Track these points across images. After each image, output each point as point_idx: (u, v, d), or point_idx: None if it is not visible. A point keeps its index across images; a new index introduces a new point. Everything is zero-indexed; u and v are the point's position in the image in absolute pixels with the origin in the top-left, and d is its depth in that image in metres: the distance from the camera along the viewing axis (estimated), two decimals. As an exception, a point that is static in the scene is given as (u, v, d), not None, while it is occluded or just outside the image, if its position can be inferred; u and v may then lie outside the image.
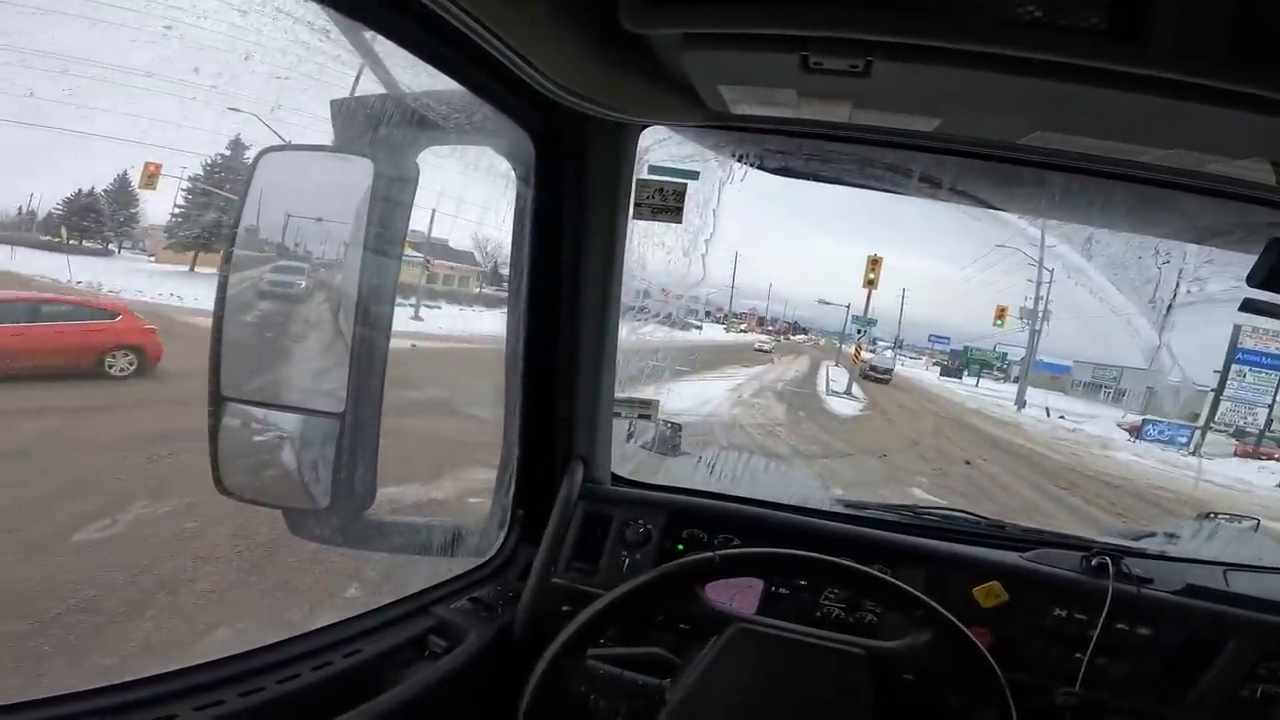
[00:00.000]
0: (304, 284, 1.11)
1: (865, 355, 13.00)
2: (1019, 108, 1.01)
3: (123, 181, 9.77)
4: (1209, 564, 1.45)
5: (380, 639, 1.16)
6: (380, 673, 1.12)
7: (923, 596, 1.09)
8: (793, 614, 1.35)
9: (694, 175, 1.43)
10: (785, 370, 13.65)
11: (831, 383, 12.74)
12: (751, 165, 1.44)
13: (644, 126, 1.33)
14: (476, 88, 1.11)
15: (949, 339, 14.40)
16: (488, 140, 1.32)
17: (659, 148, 1.40)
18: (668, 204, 1.41)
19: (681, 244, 1.48)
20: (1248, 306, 1.25)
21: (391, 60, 1.08)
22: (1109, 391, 13.19)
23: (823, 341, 15.11)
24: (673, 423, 1.95)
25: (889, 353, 14.36)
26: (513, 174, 1.35)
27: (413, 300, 9.46)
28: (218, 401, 1.07)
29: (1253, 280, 1.18)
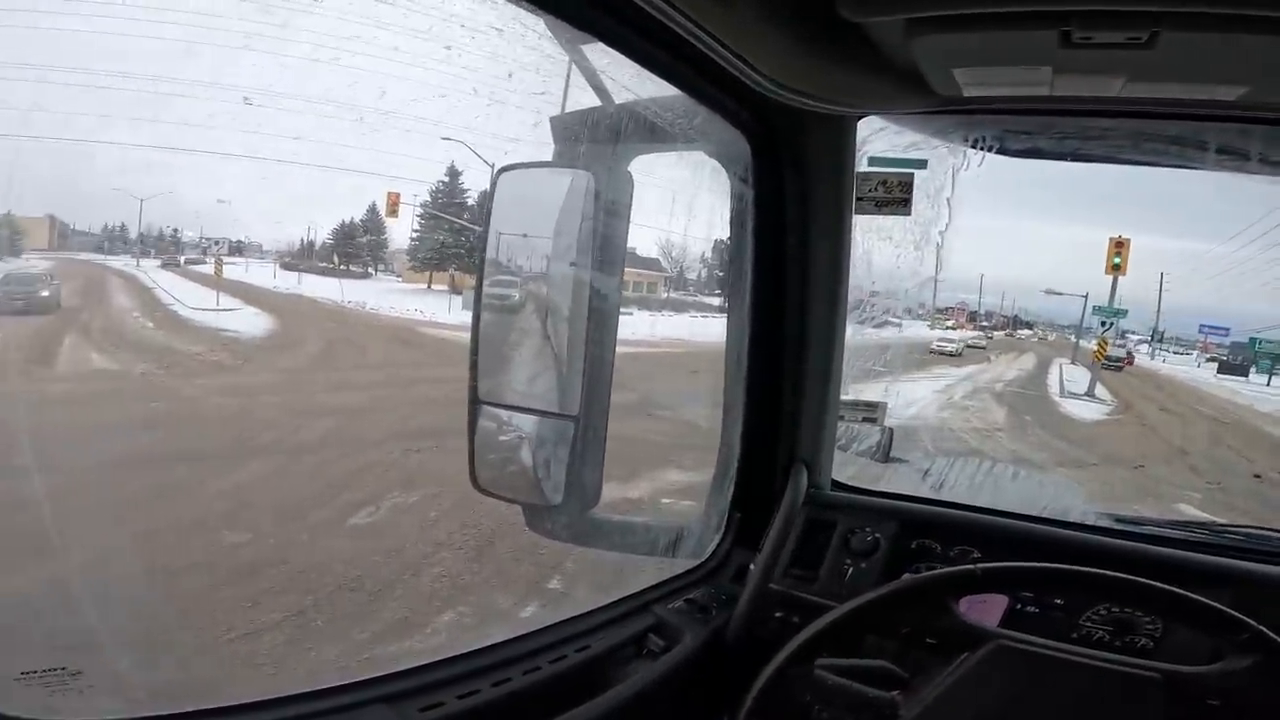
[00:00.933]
0: (541, 297, 1.19)
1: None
2: None
3: (373, 211, 11.71)
4: None
5: (607, 636, 1.21)
6: (606, 668, 1.17)
7: (1248, 620, 0.93)
8: (1044, 634, 1.19)
9: (921, 164, 1.34)
10: (1005, 369, 12.09)
11: (1067, 383, 10.98)
12: (989, 150, 1.31)
13: (861, 117, 1.27)
14: (691, 90, 1.12)
15: (1228, 329, 11.60)
16: (698, 144, 1.33)
17: (877, 138, 1.33)
18: (893, 196, 1.33)
19: (912, 237, 1.40)
20: None
21: (603, 71, 1.13)
22: None
23: (1052, 337, 13.09)
24: (886, 427, 1.81)
25: (1144, 346, 11.97)
26: (726, 176, 1.35)
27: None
28: (474, 403, 1.18)
29: None
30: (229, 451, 5.81)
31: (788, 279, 1.37)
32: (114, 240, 11.19)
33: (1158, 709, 0.92)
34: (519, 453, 1.24)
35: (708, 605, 1.35)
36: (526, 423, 1.22)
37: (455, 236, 11.87)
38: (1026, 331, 13.44)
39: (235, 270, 11.43)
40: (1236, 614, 0.96)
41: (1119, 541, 1.28)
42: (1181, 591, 0.98)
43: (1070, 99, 1.10)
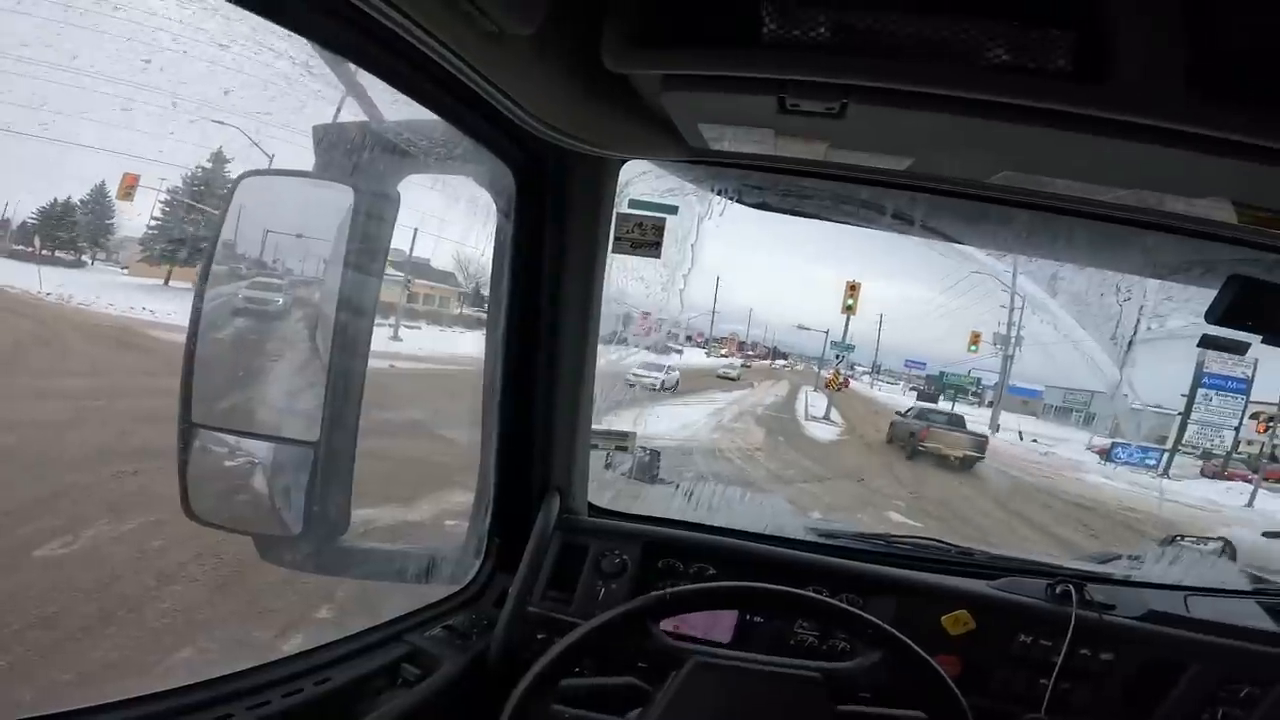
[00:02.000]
0: (280, 305, 1.10)
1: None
2: (987, 148, 1.05)
3: (100, 192, 9.65)
4: (1171, 589, 1.49)
5: (352, 667, 1.15)
6: (352, 701, 1.11)
7: (868, 617, 1.11)
8: (765, 642, 1.37)
9: (673, 210, 1.45)
10: (764, 395, 13.72)
11: (810, 408, 12.81)
12: (730, 199, 1.46)
13: (624, 161, 1.35)
14: (458, 121, 1.12)
15: (925, 364, 14.63)
16: (469, 170, 1.33)
17: (639, 181, 1.42)
18: (647, 238, 1.42)
19: (660, 278, 1.51)
20: (1206, 342, 1.30)
21: (374, 89, 1.09)
22: (1079, 415, 13.47)
23: (801, 367, 15.24)
24: (651, 449, 1.96)
25: (866, 376, 14.47)
26: (493, 204, 1.36)
27: (392, 320, 9.38)
28: (188, 428, 1.05)
29: (1211, 316, 1.22)
30: None
31: (541, 311, 1.41)
32: None
33: (823, 704, 1.04)
34: (248, 480, 1.12)
35: (468, 631, 1.33)
36: (255, 447, 1.11)
37: (211, 229, 10.16)
38: (782, 361, 15.52)
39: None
40: (861, 614, 1.10)
41: (818, 556, 1.49)
42: (807, 594, 1.13)
43: (791, 159, 1.26)
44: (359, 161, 1.15)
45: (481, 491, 1.46)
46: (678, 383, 11.79)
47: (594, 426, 1.54)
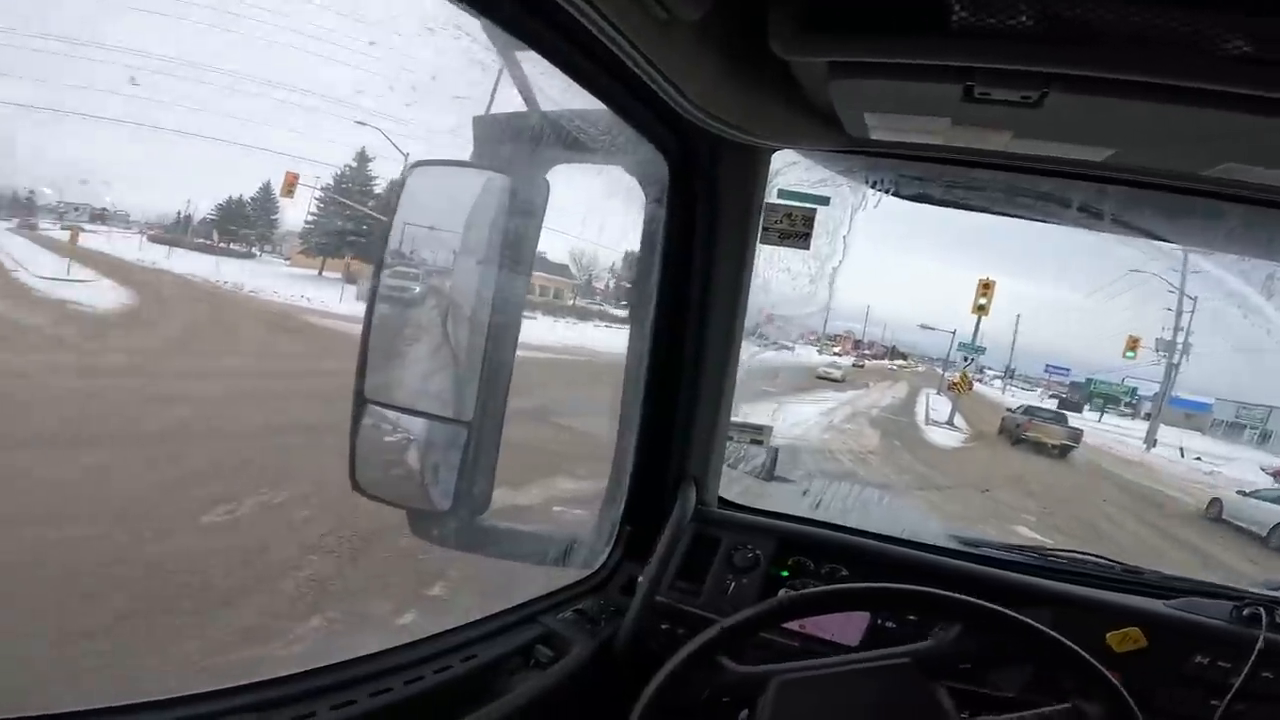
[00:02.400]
0: (442, 296, 1.16)
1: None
2: (1207, 139, 0.94)
3: (267, 190, 10.92)
4: None
5: (493, 645, 1.20)
6: (492, 678, 1.15)
7: (942, 592, 1.06)
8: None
9: (825, 201, 1.41)
10: (880, 396, 13.06)
11: (932, 411, 12.03)
12: (886, 192, 1.40)
13: (776, 150, 1.32)
14: (620, 108, 1.13)
15: (1069, 370, 13.23)
16: (619, 159, 1.35)
17: (788, 171, 1.39)
18: (796, 229, 1.39)
19: (808, 270, 1.46)
20: None
21: (532, 78, 1.12)
22: (1255, 433, 11.74)
23: (922, 368, 14.33)
24: (769, 446, 1.92)
25: (998, 381, 13.35)
26: (641, 193, 1.37)
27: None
28: (360, 402, 1.13)
29: None
30: (61, 438, 5.13)
31: (690, 300, 1.40)
32: None
33: (921, 684, 1.01)
34: (405, 455, 1.19)
35: (597, 617, 1.36)
36: (415, 425, 1.18)
37: (357, 224, 11.26)
38: (901, 361, 14.65)
39: (97, 240, 10.23)
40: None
41: (962, 563, 1.41)
42: (955, 596, 1.07)
43: (963, 150, 1.19)
44: (514, 150, 1.20)
45: (615, 478, 1.47)
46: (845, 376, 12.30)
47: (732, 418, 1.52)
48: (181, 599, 3.73)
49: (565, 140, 1.22)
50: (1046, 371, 13.46)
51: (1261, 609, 1.26)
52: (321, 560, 4.35)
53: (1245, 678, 1.21)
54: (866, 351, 14.42)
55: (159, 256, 10.60)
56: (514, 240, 1.17)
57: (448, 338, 1.16)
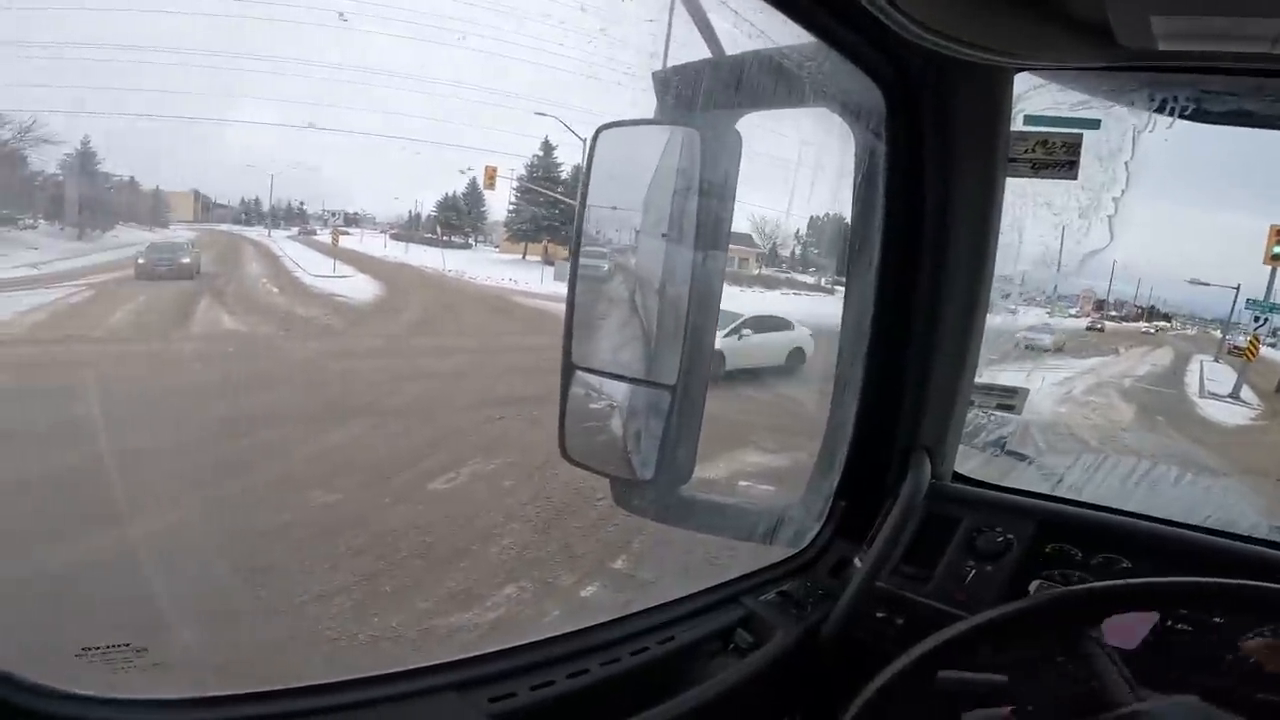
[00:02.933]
0: (638, 258, 1.14)
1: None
2: None
3: (473, 185, 12.28)
4: None
5: (692, 627, 1.15)
6: (689, 662, 1.11)
7: None
8: (1190, 660, 1.02)
9: (1094, 124, 1.17)
10: (1136, 364, 10.93)
11: (1209, 382, 9.76)
12: (1180, 114, 1.13)
13: (1020, 70, 1.11)
14: (823, 33, 1.01)
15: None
16: (821, 100, 1.21)
17: (1033, 95, 1.18)
18: (1055, 158, 1.17)
19: (1078, 204, 1.23)
20: None
21: (714, 20, 1.05)
22: None
23: (1192, 331, 11.66)
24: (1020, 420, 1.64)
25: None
26: (851, 134, 1.22)
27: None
28: (569, 369, 1.14)
29: None
30: (327, 413, 6.13)
31: (923, 247, 1.24)
32: (249, 212, 12.39)
33: None
34: (610, 422, 1.19)
35: (803, 600, 1.26)
36: (619, 391, 1.17)
37: (548, 209, 12.16)
38: (1163, 323, 12.01)
39: (351, 241, 12.34)
40: None
41: None
42: None
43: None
44: (700, 101, 1.12)
45: (828, 449, 1.35)
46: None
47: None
48: (403, 565, 4.18)
49: (755, 85, 1.12)
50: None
51: None
52: (521, 529, 4.66)
53: None
54: (1113, 313, 12.12)
55: (399, 251, 12.47)
56: (708, 197, 1.09)
57: (647, 300, 1.13)
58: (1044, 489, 1.41)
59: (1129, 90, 1.14)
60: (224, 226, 12.09)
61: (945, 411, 1.32)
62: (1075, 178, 1.18)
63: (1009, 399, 1.41)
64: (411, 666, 0.90)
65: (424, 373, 7.51)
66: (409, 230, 12.88)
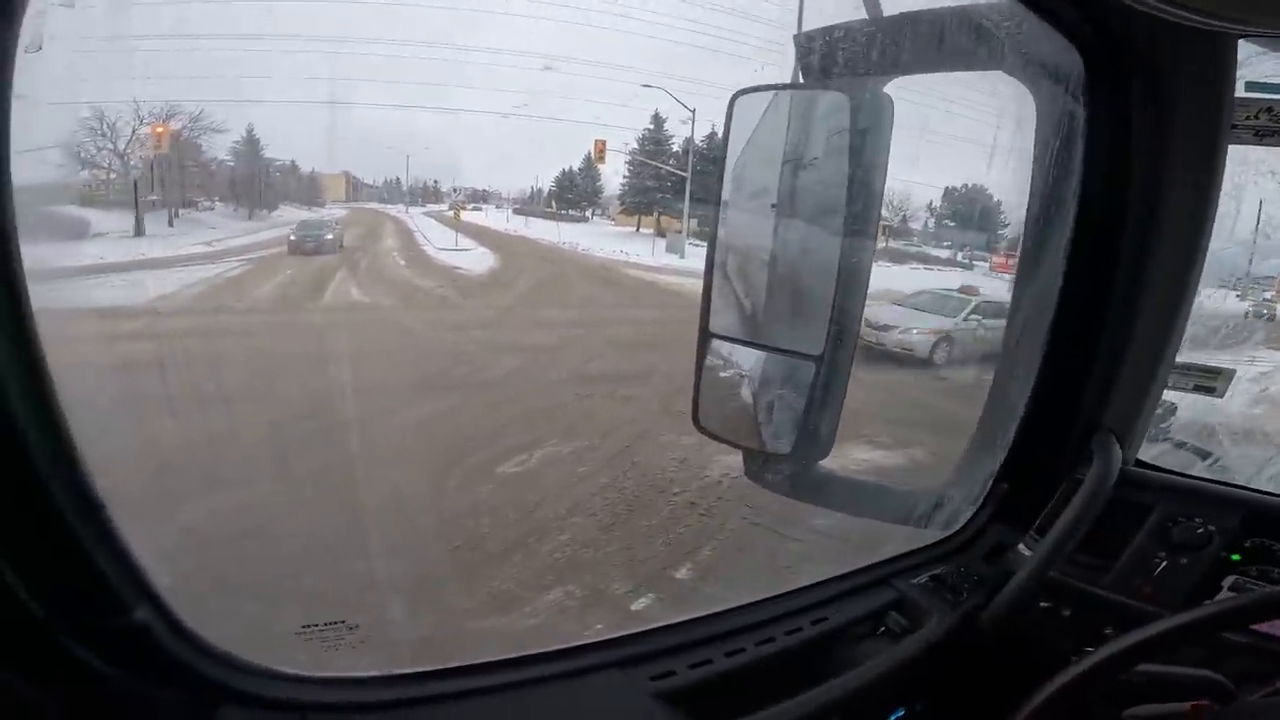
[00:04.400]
0: (782, 224, 1.10)
1: None
2: None
3: (588, 159, 12.51)
4: None
5: (844, 608, 1.13)
6: (840, 645, 1.09)
7: None
8: None
9: None
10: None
11: None
12: None
13: (1243, 36, 1.02)
14: None
15: None
16: (994, 63, 1.14)
17: (1256, 60, 1.09)
18: None
19: None
20: None
21: None
22: None
23: None
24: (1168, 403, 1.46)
25: None
26: (1032, 100, 1.15)
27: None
28: (705, 338, 1.11)
29: None
30: (423, 386, 6.16)
31: (1127, 220, 1.14)
32: (391, 191, 13.52)
33: None
34: (747, 393, 1.16)
35: (958, 585, 1.20)
36: (758, 361, 1.14)
37: (660, 181, 12.13)
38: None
39: (478, 215, 13.06)
40: None
41: None
42: None
43: None
44: (848, 66, 1.07)
45: (987, 427, 1.28)
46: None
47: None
48: (453, 557, 3.96)
49: (916, 46, 1.07)
50: None
51: None
52: (584, 523, 4.38)
53: None
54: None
55: (520, 225, 13.02)
56: (858, 163, 1.03)
57: (790, 270, 1.09)
58: (1260, 480, 1.29)
59: None
60: (371, 205, 13.29)
61: (1138, 392, 1.22)
62: None
63: (1210, 380, 1.27)
64: (574, 644, 0.94)
65: (524, 346, 7.48)
66: (530, 205, 13.40)
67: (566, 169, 13.19)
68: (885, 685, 1.04)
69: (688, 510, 4.61)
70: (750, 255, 1.15)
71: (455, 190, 13.12)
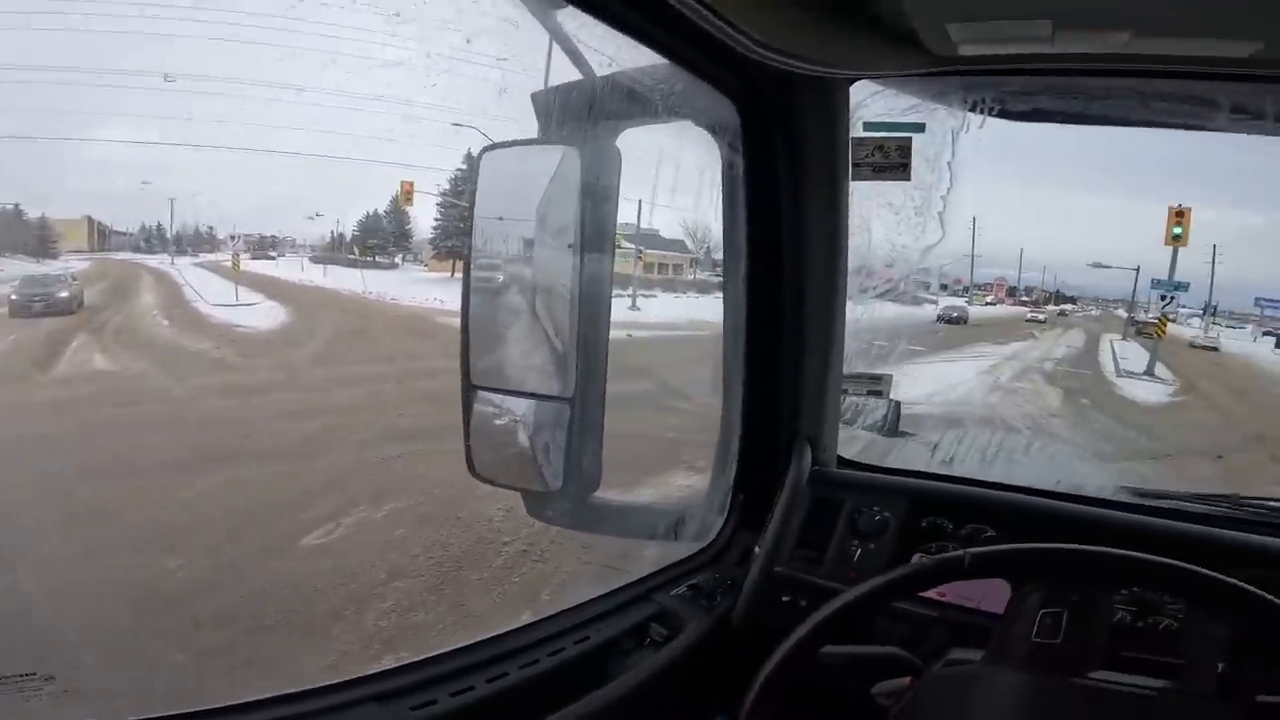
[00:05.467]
0: (528, 276, 1.18)
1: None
2: None
3: (395, 202, 11.80)
4: None
5: (606, 626, 1.19)
6: (606, 660, 1.15)
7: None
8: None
9: (919, 128, 1.29)
10: (1053, 347, 11.53)
11: (1122, 361, 10.40)
12: (988, 113, 1.26)
13: (853, 81, 1.22)
14: (673, 55, 1.08)
15: (1284, 301, 11.03)
16: (686, 114, 1.28)
17: (873, 102, 1.28)
18: (891, 161, 1.28)
19: (914, 202, 1.35)
20: None
21: (583, 41, 1.09)
22: None
23: (1095, 311, 12.57)
24: (892, 400, 1.77)
25: (1195, 320, 11.35)
26: (716, 148, 1.31)
27: (629, 291, 9.93)
28: (468, 390, 1.16)
29: None
30: (192, 460, 5.38)
31: (783, 248, 1.33)
32: (151, 239, 11.55)
33: None
34: (516, 437, 1.21)
35: (712, 591, 1.32)
36: (521, 407, 1.19)
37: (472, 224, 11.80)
38: (1070, 306, 12.91)
39: (267, 265, 11.65)
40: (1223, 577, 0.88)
41: (1139, 517, 1.22)
42: (1171, 562, 0.90)
43: (1071, 57, 1.04)
44: (578, 121, 1.16)
45: (723, 444, 1.42)
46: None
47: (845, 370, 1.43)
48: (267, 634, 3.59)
49: (627, 102, 1.18)
50: (1258, 305, 11.26)
51: None
52: (408, 586, 4.13)
53: None
54: (1025, 298, 12.97)
55: (317, 274, 11.87)
56: (591, 213, 1.14)
57: (539, 316, 1.16)
58: (931, 465, 1.53)
59: (946, 94, 1.26)
60: (122, 255, 11.25)
61: (820, 400, 1.40)
62: (909, 178, 1.29)
63: (877, 385, 1.51)
64: (331, 681, 0.91)
65: (321, 407, 6.72)
66: (332, 252, 12.32)
67: (371, 212, 12.36)
68: (650, 691, 1.11)
69: (521, 558, 4.53)
70: (501, 307, 1.21)
71: (234, 237, 11.50)
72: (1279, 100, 1.13)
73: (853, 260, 1.35)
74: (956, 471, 1.48)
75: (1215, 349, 9.68)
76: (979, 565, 0.94)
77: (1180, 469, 6.58)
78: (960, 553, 0.94)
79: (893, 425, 1.71)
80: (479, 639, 1.05)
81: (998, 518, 1.26)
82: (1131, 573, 0.94)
